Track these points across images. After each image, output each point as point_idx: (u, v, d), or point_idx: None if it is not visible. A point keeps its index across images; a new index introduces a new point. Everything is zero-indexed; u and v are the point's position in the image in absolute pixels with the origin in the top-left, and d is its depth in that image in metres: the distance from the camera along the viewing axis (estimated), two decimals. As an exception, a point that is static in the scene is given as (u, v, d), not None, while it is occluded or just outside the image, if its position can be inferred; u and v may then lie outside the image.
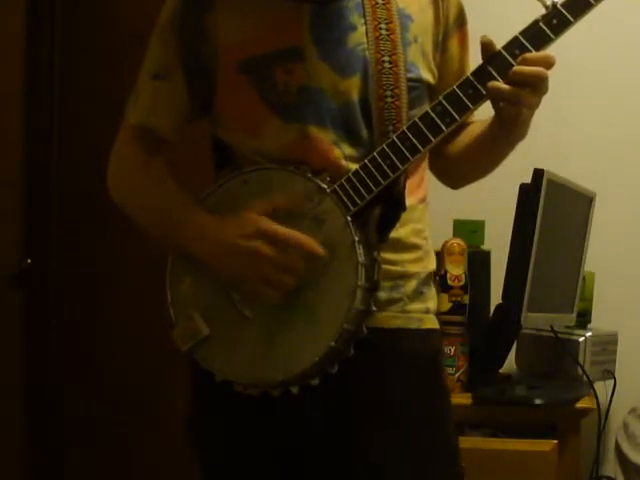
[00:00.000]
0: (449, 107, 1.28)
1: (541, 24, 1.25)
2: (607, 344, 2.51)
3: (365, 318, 1.31)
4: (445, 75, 1.43)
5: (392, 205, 1.34)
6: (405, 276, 1.39)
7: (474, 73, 1.28)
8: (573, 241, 2.46)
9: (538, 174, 2.08)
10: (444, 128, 1.28)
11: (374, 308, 1.32)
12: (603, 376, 2.45)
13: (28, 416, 2.70)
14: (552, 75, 1.28)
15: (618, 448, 2.41)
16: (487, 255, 2.43)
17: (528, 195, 2.07)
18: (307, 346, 1.29)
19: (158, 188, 1.44)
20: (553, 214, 2.19)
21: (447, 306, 2.20)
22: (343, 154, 1.34)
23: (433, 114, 1.28)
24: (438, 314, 1.46)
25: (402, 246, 1.38)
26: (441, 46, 1.43)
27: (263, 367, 1.32)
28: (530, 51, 1.25)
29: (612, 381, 2.48)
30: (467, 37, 1.48)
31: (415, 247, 1.41)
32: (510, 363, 2.43)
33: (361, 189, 1.30)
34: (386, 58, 1.34)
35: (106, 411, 2.62)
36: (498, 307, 2.20)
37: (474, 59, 1.39)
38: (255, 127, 1.36)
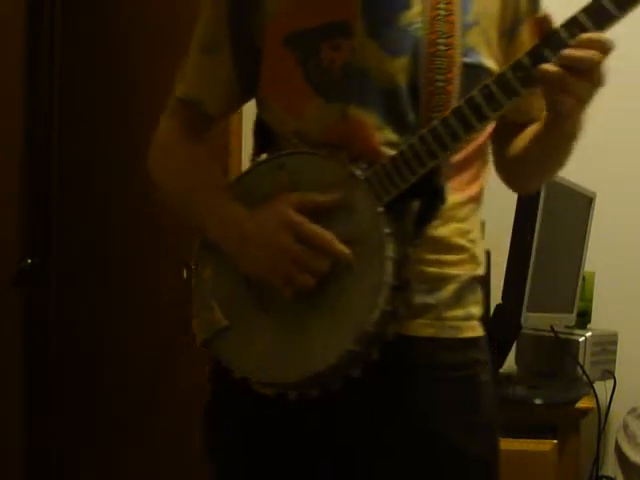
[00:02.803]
0: (497, 91, 1.14)
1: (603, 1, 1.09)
2: (607, 344, 2.51)
3: (392, 321, 1.18)
4: None
5: (431, 198, 1.22)
6: (443, 279, 1.27)
7: (527, 54, 1.13)
8: (573, 241, 2.47)
9: (538, 174, 2.08)
10: (489, 114, 1.15)
11: (403, 311, 1.19)
12: (603, 376, 2.45)
13: (28, 416, 2.70)
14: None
15: (618, 448, 2.40)
16: (487, 255, 2.43)
17: (528, 195, 2.06)
18: (325, 347, 1.18)
19: (191, 166, 1.37)
20: (553, 214, 2.19)
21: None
22: (385, 139, 1.23)
23: (479, 99, 1.15)
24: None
25: (444, 247, 1.26)
26: (509, 33, 1.31)
27: (278, 366, 1.22)
28: (587, 31, 1.10)
29: (612, 381, 2.48)
30: None
31: (460, 249, 1.29)
32: (510, 363, 2.43)
33: (396, 178, 1.18)
34: (441, 40, 1.22)
35: (106, 411, 2.62)
36: (498, 307, 2.20)
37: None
38: (297, 107, 1.27)
